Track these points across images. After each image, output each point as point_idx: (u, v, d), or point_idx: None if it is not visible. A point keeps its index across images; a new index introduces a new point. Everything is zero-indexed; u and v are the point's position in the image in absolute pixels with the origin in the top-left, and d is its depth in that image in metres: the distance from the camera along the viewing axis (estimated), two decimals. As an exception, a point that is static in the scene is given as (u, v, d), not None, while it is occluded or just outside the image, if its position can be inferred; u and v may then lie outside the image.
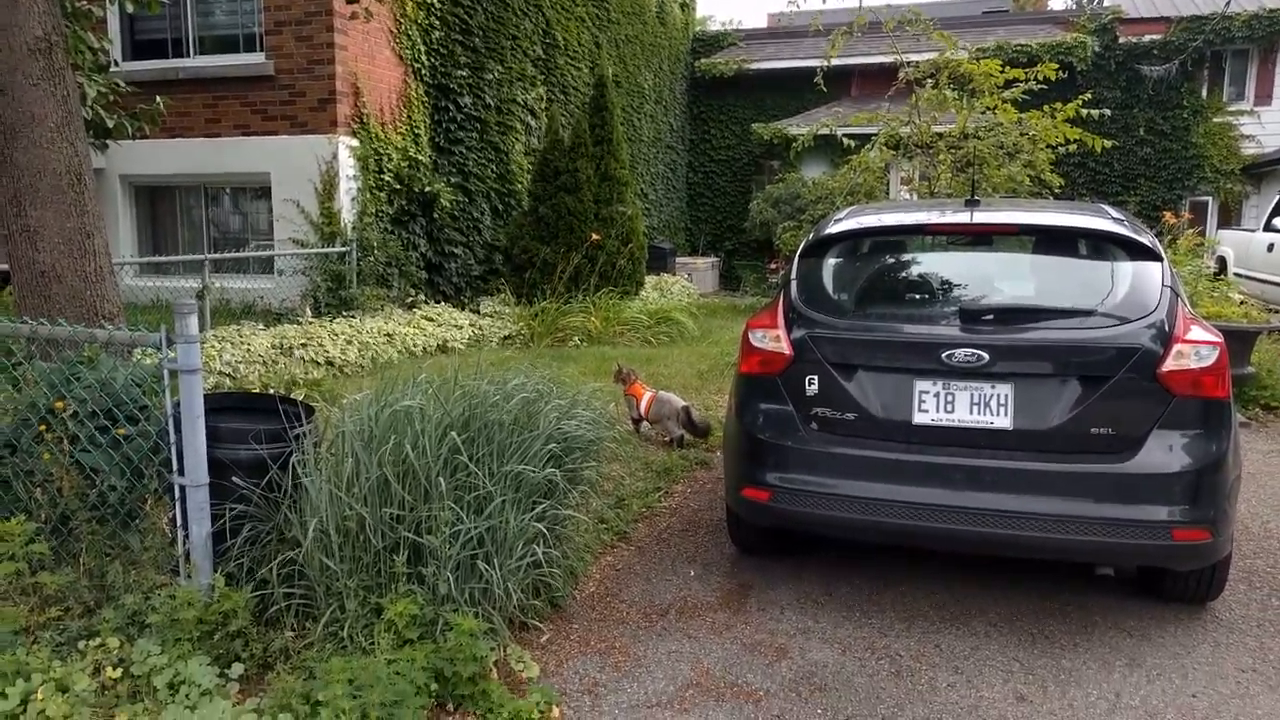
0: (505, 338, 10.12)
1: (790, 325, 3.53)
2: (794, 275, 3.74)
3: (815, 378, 3.40)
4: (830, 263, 3.84)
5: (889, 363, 3.33)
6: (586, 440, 3.58)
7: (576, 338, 10.02)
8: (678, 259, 17.75)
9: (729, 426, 3.83)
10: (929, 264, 3.89)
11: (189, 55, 10.04)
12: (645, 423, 6.07)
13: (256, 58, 9.71)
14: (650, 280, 14.14)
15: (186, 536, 3.09)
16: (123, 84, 7.26)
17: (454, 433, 3.12)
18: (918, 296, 3.71)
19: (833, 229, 3.85)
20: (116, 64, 8.83)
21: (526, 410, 3.39)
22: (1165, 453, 3.07)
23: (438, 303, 10.60)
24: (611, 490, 4.83)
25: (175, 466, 3.11)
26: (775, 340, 3.54)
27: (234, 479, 3.11)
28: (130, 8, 6.44)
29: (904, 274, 3.81)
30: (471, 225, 11.53)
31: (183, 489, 3.09)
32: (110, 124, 6.87)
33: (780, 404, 3.49)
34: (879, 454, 3.27)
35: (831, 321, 3.45)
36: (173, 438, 3.09)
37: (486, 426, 3.27)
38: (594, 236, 10.86)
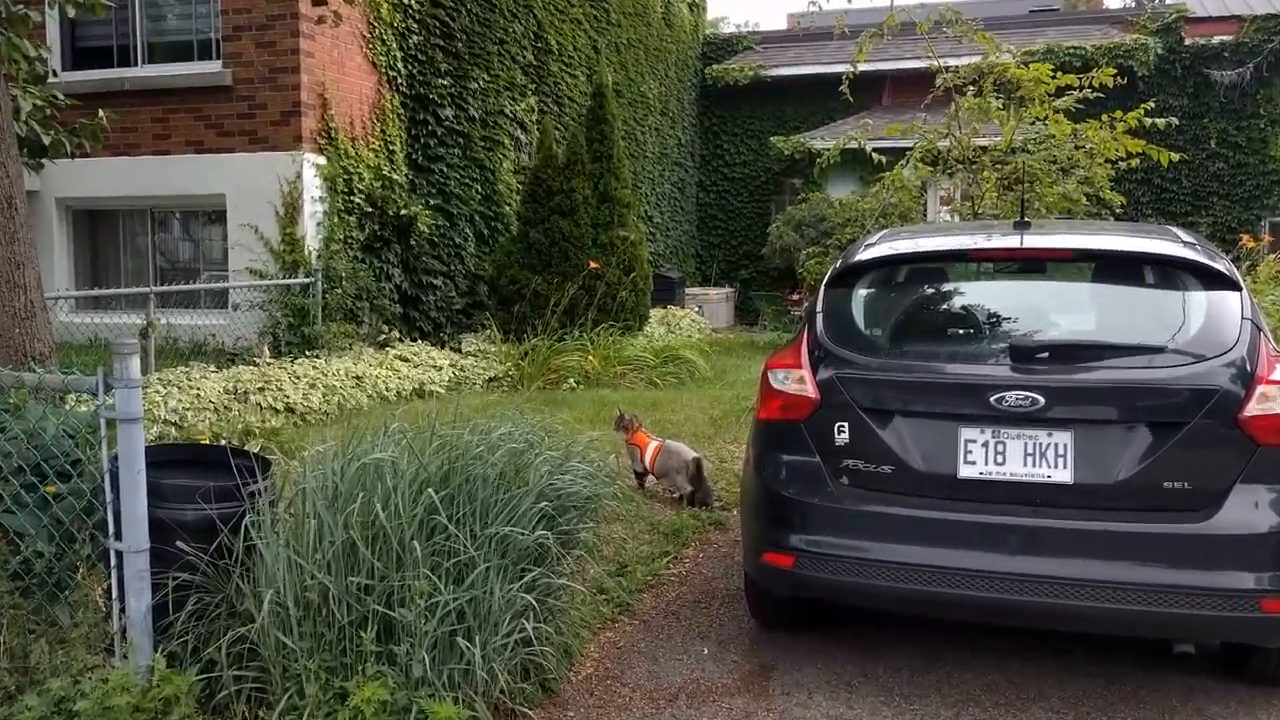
0: (490, 380, 10.18)
1: (816, 365, 3.54)
2: (820, 308, 3.76)
3: (845, 425, 3.40)
4: (861, 293, 3.86)
5: (930, 407, 3.34)
6: (583, 497, 3.58)
7: (572, 379, 10.09)
8: (687, 290, 17.88)
9: (747, 481, 3.82)
10: (974, 294, 3.90)
11: (137, 64, 10.20)
12: (650, 477, 6.09)
13: (212, 66, 9.86)
14: (656, 314, 14.23)
15: (123, 610, 3.07)
16: (62, 96, 7.38)
17: (431, 490, 3.13)
18: (962, 332, 3.71)
19: (863, 255, 3.88)
20: (55, 74, 9.00)
21: (514, 463, 3.40)
22: (1250, 510, 3.04)
23: (414, 340, 10.68)
24: (612, 555, 4.81)
25: (111, 529, 3.10)
26: (799, 382, 3.54)
27: (179, 543, 3.10)
28: (72, 12, 6.57)
29: (945, 306, 3.82)
30: (453, 253, 11.63)
31: (120, 555, 3.08)
32: (47, 141, 6.97)
33: (805, 455, 3.48)
34: (919, 512, 3.26)
35: (863, 360, 3.47)
36: (109, 496, 3.08)
37: (468, 482, 3.28)
38: (592, 265, 10.94)
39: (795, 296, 16.96)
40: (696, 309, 16.95)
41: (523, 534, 3.24)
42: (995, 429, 3.25)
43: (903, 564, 3.23)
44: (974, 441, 3.26)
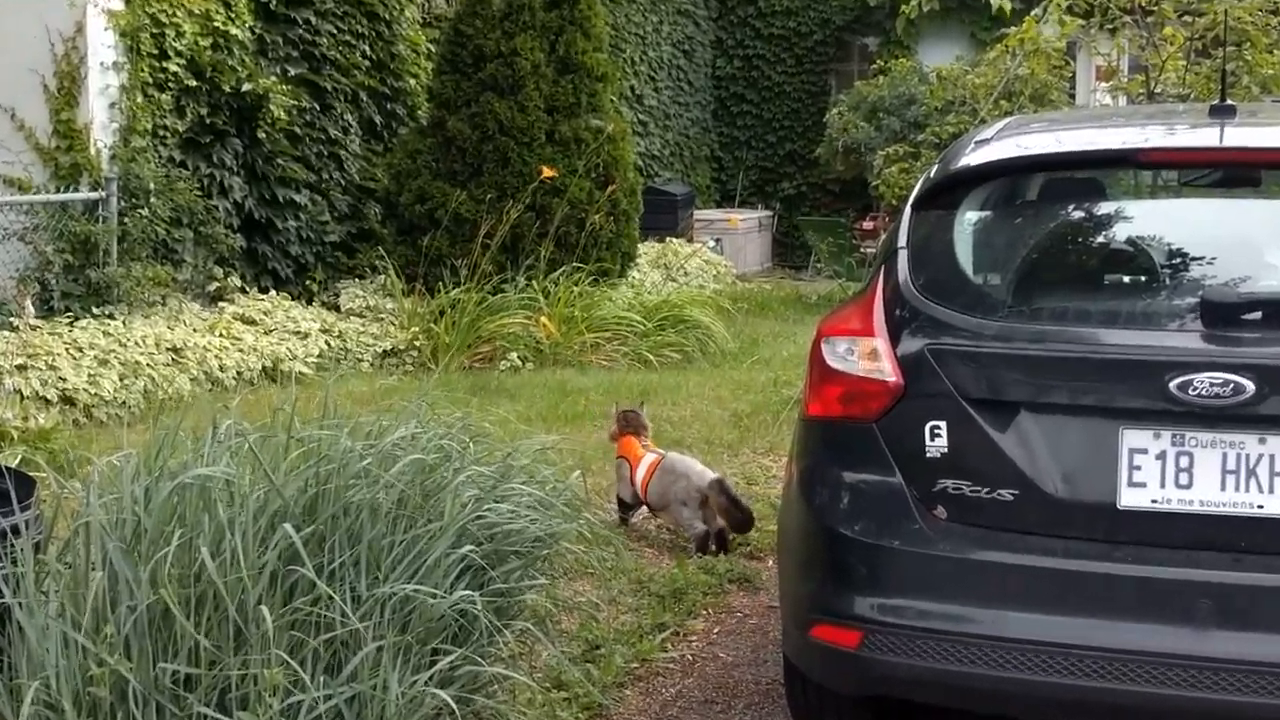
0: (386, 354, 10.20)
1: (898, 331, 3.54)
2: (904, 241, 3.76)
3: (943, 426, 3.41)
4: (970, 219, 3.86)
5: (1075, 398, 3.35)
6: (530, 539, 3.60)
7: (515, 354, 10.14)
8: (697, 213, 17.91)
9: (789, 515, 3.83)
10: (1145, 221, 3.89)
11: None
12: (644, 507, 6.12)
13: None
14: (648, 251, 14.26)
15: None
16: None
17: (290, 526, 3.14)
18: (1126, 280, 3.69)
19: (975, 159, 3.86)
20: None
21: (421, 486, 3.41)
22: None
23: (265, 291, 10.67)
24: (577, 630, 4.82)
25: None
26: (871, 358, 3.54)
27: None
28: None
29: (1100, 239, 3.83)
30: (326, 153, 11.61)
31: None
32: None
33: (880, 473, 3.49)
34: (1058, 563, 3.26)
35: (973, 324, 3.46)
36: None
37: (348, 514, 3.30)
38: (546, 173, 10.94)
39: (867, 224, 17.00)
40: (712, 243, 16.99)
41: (435, 595, 3.25)
42: (1178, 432, 3.24)
43: (1034, 644, 3.22)
44: (1143, 452, 3.25)
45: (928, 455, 3.45)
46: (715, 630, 5.14)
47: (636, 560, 5.68)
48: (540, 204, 11.10)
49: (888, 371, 3.53)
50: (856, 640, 3.43)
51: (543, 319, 10.34)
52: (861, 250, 15.67)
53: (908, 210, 3.88)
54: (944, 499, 3.44)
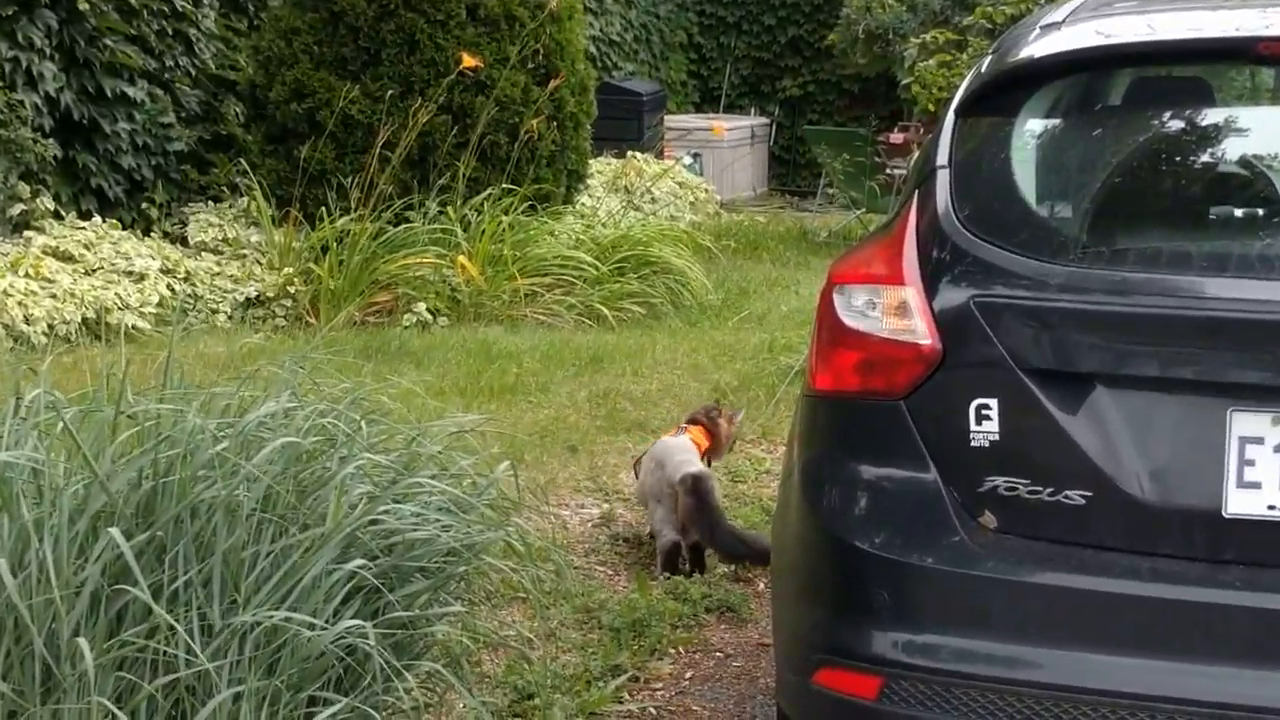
0: (250, 303, 10.18)
1: (936, 278, 3.56)
2: (947, 158, 3.76)
3: (994, 405, 3.43)
4: (1033, 130, 3.88)
5: (1170, 369, 3.36)
6: (440, 551, 3.60)
7: (423, 305, 10.16)
8: (668, 119, 17.87)
9: (786, 522, 3.86)
10: (1267, 135, 3.90)
11: None
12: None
13: None
14: (602, 169, 14.21)
15: None
16: None
17: (117, 530, 3.12)
18: (1239, 214, 3.73)
19: (1040, 49, 3.87)
20: None
21: (295, 480, 3.40)
22: None
23: (86, 217, 10.62)
24: (501, 673, 4.84)
25: None
26: (899, 314, 3.56)
27: None
28: None
29: (1206, 159, 3.85)
30: (171, 30, 11.52)
31: None
32: None
33: (908, 466, 3.52)
34: (1144, 589, 3.29)
35: (1036, 269, 3.46)
36: None
37: (197, 516, 3.28)
38: (467, 62, 10.90)
39: (896, 137, 17.02)
40: (687, 159, 16.98)
41: (313, 626, 3.23)
42: (1305, 416, 3.29)
43: (1109, 697, 3.24)
44: (1259, 442, 3.27)
45: (972, 444, 3.46)
46: (687, 675, 5.15)
47: (583, 582, 5.69)
48: (459, 104, 11.08)
49: (921, 332, 3.53)
50: (875, 689, 3.45)
51: (461, 259, 10.34)
52: (888, 172, 15.73)
53: (950, 118, 3.86)
54: (993, 502, 3.46)
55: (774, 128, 19.85)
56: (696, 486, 5.90)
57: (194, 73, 11.72)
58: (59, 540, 3.15)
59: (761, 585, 5.97)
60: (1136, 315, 3.41)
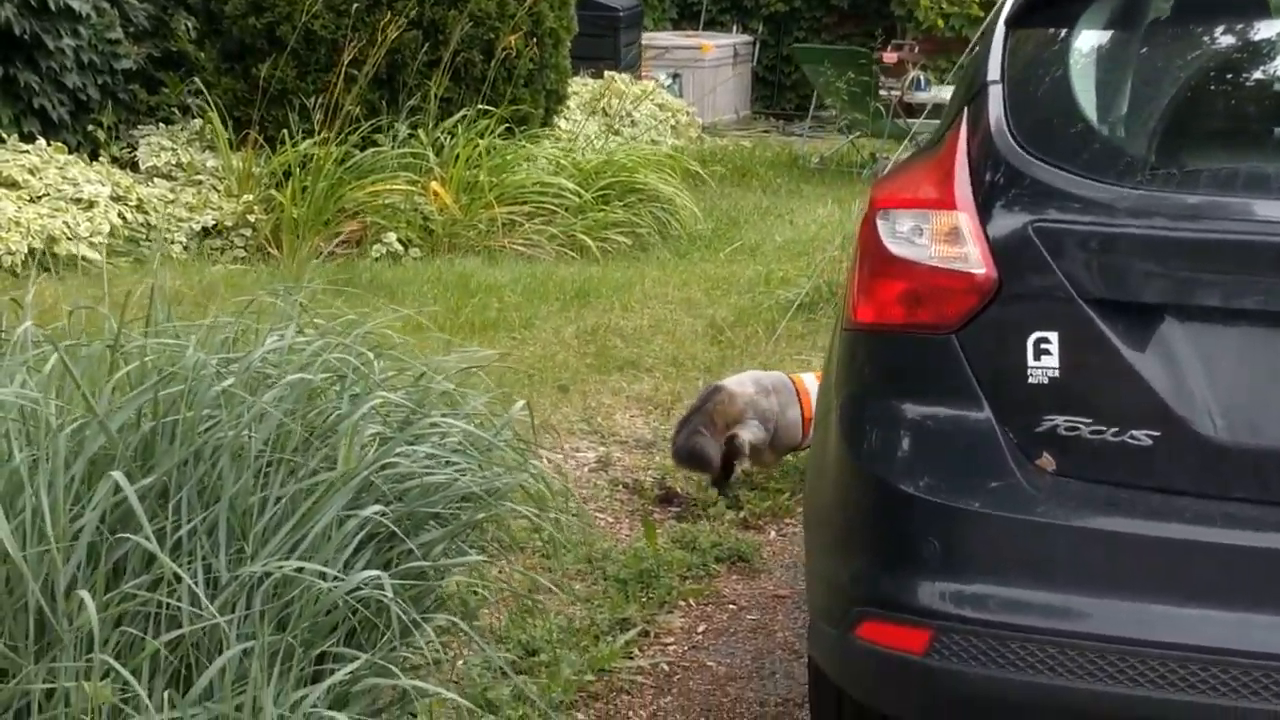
0: (207, 233, 10.11)
1: (990, 201, 3.53)
2: (999, 73, 3.74)
3: (1054, 338, 3.41)
4: (1094, 41, 3.87)
5: (1245, 299, 3.34)
6: (455, 496, 3.57)
7: (393, 235, 10.11)
8: (646, 37, 17.78)
9: (822, 466, 3.85)
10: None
11: None
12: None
13: None
14: (579, 90, 14.15)
15: None
16: None
17: (119, 475, 3.09)
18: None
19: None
20: None
21: (306, 420, 3.36)
22: None
23: (29, 140, 10.51)
24: (505, 627, 4.84)
25: None
26: (950, 240, 3.53)
27: None
28: None
29: (1277, 74, 3.83)
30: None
31: None
32: None
33: (959, 404, 3.50)
34: (1218, 536, 3.28)
35: (1100, 192, 3.43)
36: None
37: (201, 460, 3.26)
38: (438, -29, 10.85)
39: (891, 56, 16.97)
40: (667, 79, 16.90)
41: (327, 577, 3.21)
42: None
43: (1179, 650, 3.22)
44: (1344, 380, 3.30)
45: (1030, 381, 3.44)
46: (700, 629, 5.16)
47: (584, 530, 5.67)
48: (430, 19, 11.04)
49: (975, 260, 3.50)
50: (924, 643, 3.43)
51: (434, 185, 10.30)
52: (887, 94, 15.64)
53: (1000, 28, 3.82)
54: (1052, 443, 3.44)
55: (757, 46, 19.78)
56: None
57: (142, -19, 11.60)
58: (54, 485, 3.12)
59: (773, 534, 6.01)
60: (1210, 241, 3.38)
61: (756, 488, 6.32)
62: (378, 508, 3.35)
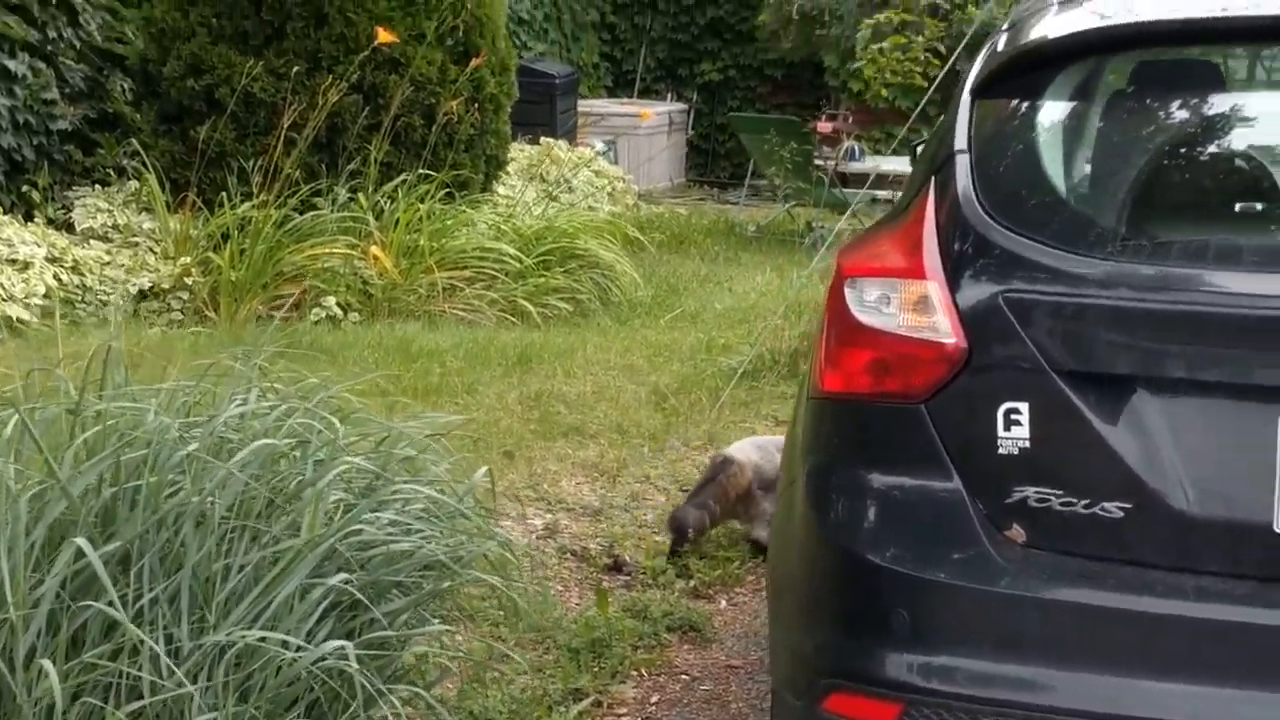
0: (144, 295, 10.03)
1: (959, 271, 3.52)
2: (967, 142, 3.75)
3: (1024, 409, 3.40)
4: (1062, 112, 3.88)
5: (1216, 372, 3.35)
6: (418, 564, 3.55)
7: (332, 299, 10.07)
8: (582, 104, 17.82)
9: (787, 534, 3.83)
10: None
11: None
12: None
13: None
14: (516, 155, 14.16)
15: None
16: None
17: (84, 540, 3.05)
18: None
19: (1066, 26, 3.86)
20: None
21: (270, 486, 3.32)
22: None
23: (-40, 202, 10.42)
24: (454, 698, 4.78)
25: None
26: (919, 309, 3.52)
27: None
28: None
29: (1257, 144, 3.82)
30: (53, -1, 11.35)
31: None
32: None
33: (928, 475, 3.49)
34: (1189, 609, 3.27)
35: (1070, 263, 3.44)
36: None
37: (164, 526, 3.21)
38: (382, 38, 10.85)
39: (825, 126, 17.08)
40: (603, 147, 16.95)
41: (292, 647, 3.17)
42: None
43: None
44: (1311, 450, 3.30)
45: (1000, 451, 3.43)
46: (653, 700, 5.14)
47: (539, 597, 5.65)
48: (371, 83, 11.04)
49: (945, 330, 3.49)
50: (893, 716, 3.41)
51: (373, 249, 10.26)
52: (824, 162, 15.69)
53: (966, 98, 3.84)
54: (1022, 514, 3.43)
55: (692, 114, 19.86)
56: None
57: (79, 45, 11.53)
58: (14, 551, 3.08)
59: (723, 603, 5.99)
60: (1182, 314, 3.38)
61: (706, 556, 6.29)
62: (344, 576, 3.33)
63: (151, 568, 3.22)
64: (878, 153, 17.07)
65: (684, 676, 5.34)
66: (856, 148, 16.54)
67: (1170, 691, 3.27)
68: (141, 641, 3.06)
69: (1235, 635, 3.27)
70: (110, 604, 3.05)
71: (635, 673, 5.31)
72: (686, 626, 5.67)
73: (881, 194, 13.27)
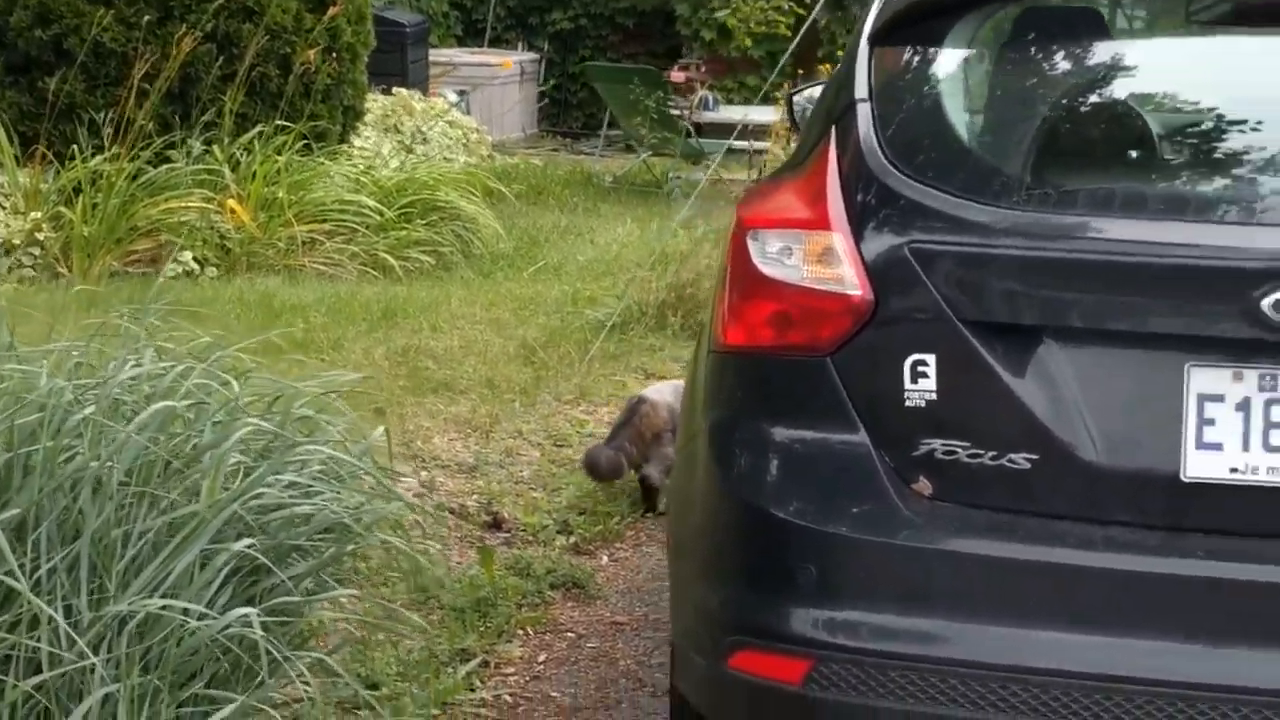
0: (-9, 251, 9.83)
1: (864, 221, 3.50)
2: (866, 90, 3.73)
3: (931, 360, 3.39)
4: (966, 58, 3.89)
5: (1123, 321, 3.36)
6: (318, 527, 3.50)
7: (189, 253, 9.93)
8: (432, 53, 17.68)
9: (687, 490, 3.81)
10: (1229, 67, 3.88)
11: None
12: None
13: None
14: (373, 105, 14.06)
15: None
16: None
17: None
18: (1203, 154, 3.73)
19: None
20: None
21: (171, 447, 3.25)
22: None
23: None
24: (345, 663, 4.70)
25: None
26: (824, 260, 3.49)
27: None
28: None
29: (1165, 92, 3.89)
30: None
31: None
32: None
33: (834, 428, 3.48)
34: (1096, 560, 3.28)
35: (976, 212, 3.44)
36: None
37: (63, 493, 3.15)
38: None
39: (678, 75, 17.05)
40: (456, 98, 16.83)
41: (197, 614, 3.10)
42: (1268, 371, 3.27)
43: (1061, 677, 3.22)
44: (1219, 400, 3.27)
45: (907, 404, 3.42)
46: (540, 659, 5.14)
47: (428, 556, 5.63)
48: (225, 31, 10.89)
49: (850, 281, 3.46)
50: (801, 673, 3.39)
51: (230, 203, 10.14)
52: (677, 113, 15.63)
53: (864, 45, 3.81)
54: (929, 467, 3.43)
55: (543, 65, 19.76)
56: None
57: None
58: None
59: (605, 559, 6.02)
60: (1087, 263, 3.39)
61: (585, 512, 6.30)
62: (247, 541, 3.27)
63: (49, 536, 3.15)
64: (730, 102, 17.11)
65: (570, 634, 5.35)
66: (710, 97, 16.53)
67: (1080, 643, 3.28)
68: (41, 612, 2.99)
69: (1144, 585, 3.29)
70: (9, 574, 2.98)
71: (521, 631, 5.31)
72: (570, 583, 5.69)
73: (739, 144, 13.24)
